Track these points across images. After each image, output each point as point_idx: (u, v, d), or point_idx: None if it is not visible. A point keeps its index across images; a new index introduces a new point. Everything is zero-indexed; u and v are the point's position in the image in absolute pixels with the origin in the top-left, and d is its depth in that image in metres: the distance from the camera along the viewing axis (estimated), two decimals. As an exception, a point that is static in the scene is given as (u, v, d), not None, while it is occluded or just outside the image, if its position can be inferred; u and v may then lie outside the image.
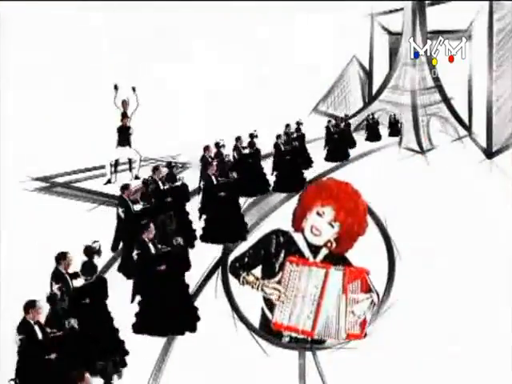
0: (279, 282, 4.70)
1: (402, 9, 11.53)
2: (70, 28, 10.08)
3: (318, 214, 4.58)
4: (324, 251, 4.65)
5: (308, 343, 4.72)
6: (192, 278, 7.72)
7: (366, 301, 4.73)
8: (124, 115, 10.05)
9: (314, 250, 4.63)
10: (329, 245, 4.64)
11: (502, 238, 8.35)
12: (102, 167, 10.24)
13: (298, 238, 4.68)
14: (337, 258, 4.74)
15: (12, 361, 6.04)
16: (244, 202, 9.33)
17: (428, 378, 6.45)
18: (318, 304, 4.55)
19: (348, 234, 4.61)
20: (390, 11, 11.63)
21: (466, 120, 11.41)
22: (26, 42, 9.87)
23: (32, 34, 9.86)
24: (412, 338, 6.65)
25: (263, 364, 6.23)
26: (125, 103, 10.08)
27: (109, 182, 10.04)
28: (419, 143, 11.36)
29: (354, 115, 11.95)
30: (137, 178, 9.98)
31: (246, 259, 4.94)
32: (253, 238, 6.68)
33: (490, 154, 10.84)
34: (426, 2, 11.45)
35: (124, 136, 10.05)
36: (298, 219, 4.73)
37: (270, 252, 4.78)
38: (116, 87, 9.92)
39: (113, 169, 10.12)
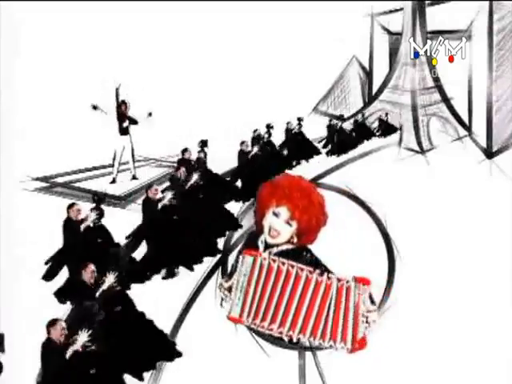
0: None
1: (401, 9, 11.52)
2: (70, 28, 10.07)
3: (275, 214, 4.53)
4: (282, 247, 4.60)
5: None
6: (192, 278, 7.73)
7: (376, 311, 4.72)
8: (122, 103, 9.96)
9: (271, 245, 4.60)
10: (291, 240, 4.60)
11: (502, 238, 8.35)
12: (103, 167, 10.24)
13: (262, 236, 4.64)
14: (300, 253, 4.66)
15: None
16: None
17: (428, 379, 6.44)
18: (246, 291, 4.54)
19: (307, 229, 4.56)
20: (390, 11, 11.62)
21: (466, 120, 11.40)
22: (26, 41, 9.86)
23: (31, 34, 9.85)
24: (412, 338, 6.65)
25: (263, 364, 6.23)
26: (124, 104, 10.04)
27: (113, 181, 10.01)
28: (419, 143, 11.35)
29: (354, 115, 11.94)
30: (134, 178, 9.96)
31: (230, 266, 4.91)
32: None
33: (490, 154, 10.83)
34: (426, 1, 11.44)
35: (123, 126, 9.98)
36: (258, 220, 4.65)
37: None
38: (95, 107, 9.81)
39: (120, 167, 10.07)
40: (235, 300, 4.62)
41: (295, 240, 4.60)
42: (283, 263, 4.51)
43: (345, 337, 4.61)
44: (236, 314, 4.67)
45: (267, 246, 4.67)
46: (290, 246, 4.59)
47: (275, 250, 4.62)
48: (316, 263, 4.65)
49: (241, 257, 4.59)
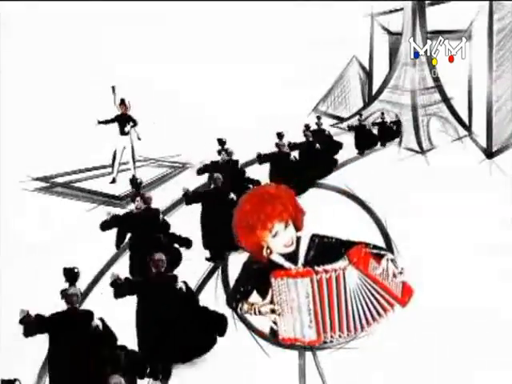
0: (272, 301, 4.61)
1: (401, 9, 11.53)
2: (69, 27, 10.08)
3: (274, 236, 4.46)
4: (302, 256, 4.58)
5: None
6: (192, 278, 7.73)
7: (390, 262, 4.68)
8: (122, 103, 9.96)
9: (290, 257, 4.55)
10: (297, 235, 4.58)
11: (502, 237, 8.35)
12: (103, 167, 10.24)
13: (273, 255, 4.58)
14: (314, 242, 4.64)
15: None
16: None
17: (429, 378, 6.44)
18: (315, 312, 4.50)
19: (296, 212, 4.53)
20: (390, 11, 11.63)
21: (466, 120, 11.41)
22: (26, 41, 9.87)
23: (31, 34, 9.86)
24: (413, 337, 6.65)
25: (263, 364, 6.23)
26: (124, 104, 10.02)
27: (113, 181, 10.01)
28: (419, 143, 11.36)
29: (354, 115, 11.95)
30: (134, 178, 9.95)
31: (238, 289, 4.82)
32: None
33: (490, 154, 10.84)
34: (426, 1, 11.45)
35: (123, 125, 9.96)
36: (258, 255, 4.54)
37: (255, 274, 4.67)
38: (113, 89, 9.83)
39: (120, 167, 10.06)
40: (304, 323, 4.55)
41: (296, 232, 4.58)
42: (325, 271, 4.48)
43: (390, 305, 4.60)
44: (313, 337, 4.61)
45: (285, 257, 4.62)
46: (304, 246, 4.57)
47: (302, 259, 4.59)
48: (334, 239, 4.61)
49: (278, 281, 4.50)
